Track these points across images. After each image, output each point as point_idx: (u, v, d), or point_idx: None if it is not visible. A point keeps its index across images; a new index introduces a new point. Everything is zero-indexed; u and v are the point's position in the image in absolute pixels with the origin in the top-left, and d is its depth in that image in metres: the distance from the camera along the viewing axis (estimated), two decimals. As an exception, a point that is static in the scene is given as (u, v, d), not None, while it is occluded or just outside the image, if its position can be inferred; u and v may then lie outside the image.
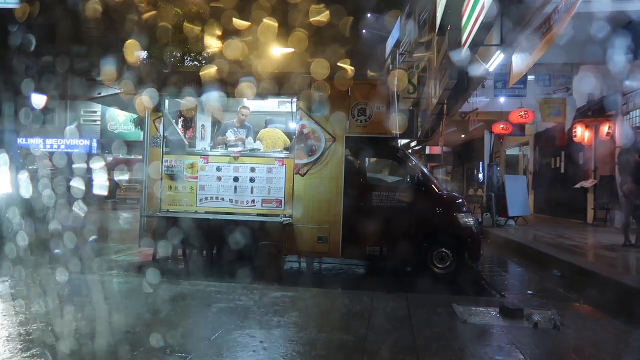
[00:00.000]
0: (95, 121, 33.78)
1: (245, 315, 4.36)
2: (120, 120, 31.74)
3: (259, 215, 6.96)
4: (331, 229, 6.85)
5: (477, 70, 10.07)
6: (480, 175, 19.83)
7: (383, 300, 5.06)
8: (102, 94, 12.03)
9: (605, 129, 11.91)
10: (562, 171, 15.07)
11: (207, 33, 15.23)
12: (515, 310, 4.49)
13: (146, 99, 7.12)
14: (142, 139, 7.53)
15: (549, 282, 6.48)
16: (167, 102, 7.33)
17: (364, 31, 30.15)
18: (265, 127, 8.19)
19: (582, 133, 12.70)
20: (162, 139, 7.22)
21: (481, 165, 19.75)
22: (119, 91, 7.89)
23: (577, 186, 12.79)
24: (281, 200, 6.99)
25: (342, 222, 6.83)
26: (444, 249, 6.79)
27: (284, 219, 6.84)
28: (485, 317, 4.45)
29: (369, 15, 30.38)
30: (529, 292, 6.23)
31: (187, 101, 7.94)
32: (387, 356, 3.49)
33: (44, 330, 3.81)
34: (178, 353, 3.35)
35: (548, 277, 6.74)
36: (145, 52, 16.99)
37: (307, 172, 6.96)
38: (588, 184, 12.66)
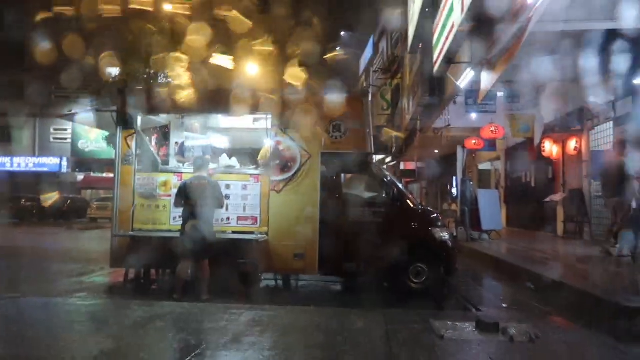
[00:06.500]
0: (65, 139, 32.97)
1: (221, 335, 4.26)
2: (91, 137, 31.05)
3: (234, 232, 6.87)
4: (307, 245, 6.80)
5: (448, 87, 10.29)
6: (454, 190, 20.11)
7: (360, 317, 5.03)
8: (73, 111, 11.79)
9: (572, 143, 12.26)
10: (533, 185, 15.42)
11: (181, 50, 15.14)
12: (491, 324, 4.51)
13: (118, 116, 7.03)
14: (114, 157, 7.38)
15: (522, 295, 6.57)
16: (139, 118, 7.22)
17: (338, 48, 30.53)
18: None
19: (550, 148, 13.04)
20: (134, 157, 7.09)
21: (454, 180, 20.05)
22: (90, 108, 7.75)
23: (547, 200, 13.08)
24: (256, 217, 6.91)
25: (319, 239, 6.79)
26: (419, 264, 6.82)
27: (259, 236, 6.76)
28: (462, 331, 4.47)
29: (342, 33, 30.83)
30: (504, 305, 6.29)
31: (161, 118, 7.86)
32: (365, 374, 3.46)
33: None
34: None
35: (522, 289, 6.83)
36: (117, 68, 16.77)
37: (282, 189, 6.92)
38: (557, 197, 12.96)
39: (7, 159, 31.74)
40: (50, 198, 25.13)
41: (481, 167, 21.72)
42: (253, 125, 8.01)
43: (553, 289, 6.08)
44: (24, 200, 25.78)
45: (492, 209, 12.85)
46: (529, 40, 6.37)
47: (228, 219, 6.90)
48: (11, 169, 31.51)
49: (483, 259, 9.68)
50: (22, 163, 32.04)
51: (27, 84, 30.88)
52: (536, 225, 14.14)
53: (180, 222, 6.43)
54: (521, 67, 8.26)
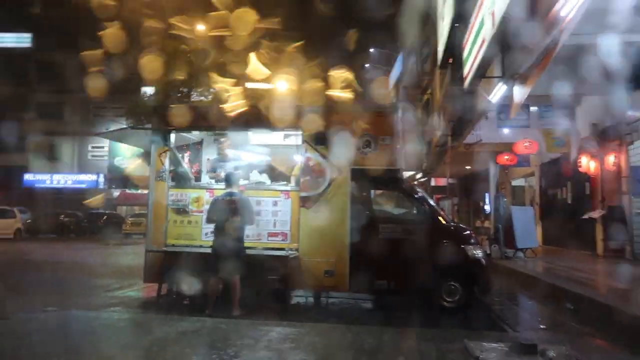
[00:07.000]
0: (103, 156, 34.07)
1: (251, 351, 4.25)
2: (127, 155, 31.98)
3: (264, 248, 6.89)
4: (338, 262, 6.75)
5: (479, 102, 10.16)
6: (487, 207, 19.71)
7: (391, 335, 4.94)
8: (110, 129, 12.19)
9: (610, 158, 11.87)
10: (569, 202, 14.95)
11: (213, 68, 15.48)
12: (528, 345, 4.35)
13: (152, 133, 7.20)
14: (148, 173, 7.55)
15: (561, 316, 6.32)
16: (173, 136, 7.38)
17: (367, 65, 30.68)
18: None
19: (587, 163, 12.65)
20: (167, 173, 7.24)
21: (487, 197, 19.66)
22: (126, 126, 7.97)
23: (585, 217, 12.65)
24: (287, 234, 6.92)
25: (349, 256, 6.74)
26: (452, 282, 6.67)
27: (289, 252, 6.76)
28: (498, 353, 4.32)
29: (371, 50, 31.00)
30: (542, 326, 6.07)
31: (194, 135, 8.02)
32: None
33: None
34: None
35: (560, 310, 6.58)
36: (152, 86, 17.29)
37: (312, 205, 6.92)
38: (595, 214, 12.51)
39: (47, 176, 32.94)
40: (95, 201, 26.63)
41: (514, 183, 21.25)
42: (284, 142, 8.08)
43: (594, 310, 5.84)
44: (62, 216, 26.60)
45: (527, 226, 12.50)
46: (563, 52, 6.25)
47: (259, 235, 6.94)
48: (51, 186, 32.67)
49: (518, 277, 9.40)
50: (62, 180, 33.19)
51: (66, 104, 32.19)
52: (574, 243, 13.67)
53: (212, 238, 6.50)
54: (556, 81, 8.09)
